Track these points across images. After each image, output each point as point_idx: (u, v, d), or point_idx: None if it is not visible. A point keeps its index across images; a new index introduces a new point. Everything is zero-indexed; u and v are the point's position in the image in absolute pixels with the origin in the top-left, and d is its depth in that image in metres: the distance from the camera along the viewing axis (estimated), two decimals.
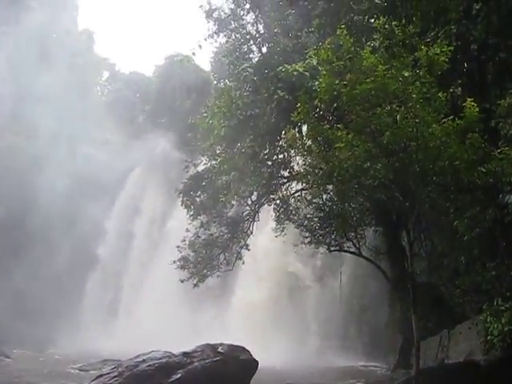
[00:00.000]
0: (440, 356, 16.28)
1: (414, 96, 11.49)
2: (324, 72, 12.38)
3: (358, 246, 17.15)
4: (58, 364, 24.96)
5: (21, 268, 36.81)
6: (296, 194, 19.11)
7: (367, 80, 11.49)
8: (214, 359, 12.37)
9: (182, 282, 20.93)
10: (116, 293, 38.59)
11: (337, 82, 11.95)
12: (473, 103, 11.81)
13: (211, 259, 19.93)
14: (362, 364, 24.05)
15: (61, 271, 37.69)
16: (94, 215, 39.11)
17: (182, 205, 21.29)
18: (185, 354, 12.58)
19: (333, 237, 17.59)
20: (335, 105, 12.82)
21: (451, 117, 11.82)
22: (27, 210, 37.69)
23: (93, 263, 39.73)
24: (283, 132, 17.70)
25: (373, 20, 14.39)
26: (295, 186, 19.36)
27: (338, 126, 12.45)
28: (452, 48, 12.36)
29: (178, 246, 20.65)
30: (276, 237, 19.59)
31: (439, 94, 12.02)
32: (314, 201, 17.47)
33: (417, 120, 11.43)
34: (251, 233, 20.26)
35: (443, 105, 12.11)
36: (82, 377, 17.28)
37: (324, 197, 16.94)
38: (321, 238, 17.71)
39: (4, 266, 36.75)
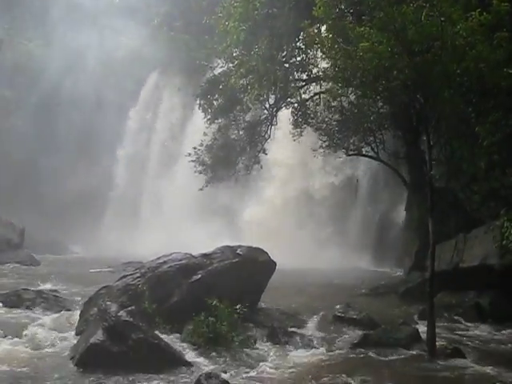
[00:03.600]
0: (455, 260, 16.48)
1: None
2: None
3: (376, 150, 16.95)
4: (82, 266, 25.79)
5: (44, 178, 37.45)
6: (314, 98, 18.79)
7: None
8: (233, 260, 12.63)
9: (200, 189, 21.19)
10: (136, 200, 39.22)
11: None
12: None
13: (228, 162, 19.97)
14: (377, 268, 24.51)
15: (83, 178, 38.27)
16: (110, 121, 39.19)
17: (199, 108, 21.13)
18: (204, 255, 12.86)
19: (351, 141, 17.36)
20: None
21: (478, 10, 11.27)
22: (49, 119, 37.91)
23: (112, 172, 40.29)
24: (301, 33, 17.17)
25: None
26: (313, 88, 19.01)
27: (361, 22, 11.99)
28: None
29: (194, 148, 20.68)
30: (294, 140, 19.42)
31: None
32: (333, 104, 17.13)
33: (442, 18, 10.96)
34: (269, 137, 20.11)
35: (472, 2, 11.58)
36: (106, 278, 17.83)
37: (343, 100, 16.62)
38: (339, 141, 17.49)
39: (30, 177, 37.42)
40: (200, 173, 20.57)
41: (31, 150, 38.12)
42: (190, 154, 20.69)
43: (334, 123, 17.57)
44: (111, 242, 33.21)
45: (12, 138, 37.65)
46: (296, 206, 29.35)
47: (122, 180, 40.27)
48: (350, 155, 18.20)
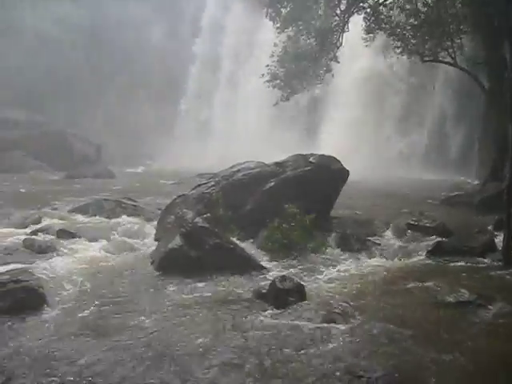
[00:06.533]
0: None
1: None
2: None
3: (453, 55, 16.27)
4: (157, 178, 26.55)
5: (117, 92, 38.19)
6: (388, 1, 17.99)
7: None
8: (306, 168, 12.64)
9: (274, 105, 20.95)
10: (208, 114, 39.53)
11: None
12: None
13: (300, 72, 19.60)
14: (452, 178, 23.99)
15: (154, 95, 38.78)
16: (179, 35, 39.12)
17: (266, 17, 20.63)
18: (277, 163, 12.93)
19: (426, 46, 16.72)
20: None
21: None
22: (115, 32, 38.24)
23: (183, 87, 40.52)
24: None
25: None
26: None
27: None
28: None
29: (267, 65, 20.39)
30: (366, 46, 18.82)
31: None
32: (408, 7, 16.38)
33: None
34: (340, 44, 19.53)
35: None
36: (181, 188, 18.33)
37: (418, 2, 15.87)
38: (413, 47, 16.86)
39: (101, 91, 38.24)
40: (274, 87, 20.33)
41: (104, 70, 38.97)
42: (263, 75, 20.35)
43: (409, 28, 16.89)
44: (184, 155, 33.89)
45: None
46: (370, 115, 28.80)
47: (193, 94, 40.55)
48: (425, 61, 17.59)
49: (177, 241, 10.22)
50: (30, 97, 35.75)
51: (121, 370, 6.02)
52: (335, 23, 19.39)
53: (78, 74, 38.56)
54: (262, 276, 9.68)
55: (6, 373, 5.93)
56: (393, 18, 17.62)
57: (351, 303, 8.36)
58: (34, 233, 12.65)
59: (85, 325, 7.38)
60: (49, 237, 12.33)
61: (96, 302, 8.24)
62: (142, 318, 7.62)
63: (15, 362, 6.19)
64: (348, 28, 19.27)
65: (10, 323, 7.28)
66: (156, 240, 12.02)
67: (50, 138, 32.44)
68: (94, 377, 5.84)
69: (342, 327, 7.34)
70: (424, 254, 11.49)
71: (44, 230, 12.83)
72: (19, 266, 9.77)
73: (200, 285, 9.13)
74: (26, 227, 13.26)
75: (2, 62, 36.27)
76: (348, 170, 13.24)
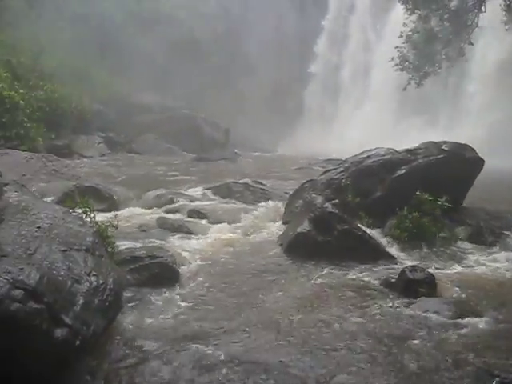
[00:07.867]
0: None
1: None
2: None
3: None
4: (282, 163, 26.91)
5: (248, 88, 39.03)
6: None
7: None
8: (438, 156, 12.18)
9: (404, 90, 20.34)
10: (334, 99, 39.39)
11: None
12: None
13: (431, 55, 18.88)
14: None
15: (280, 89, 39.23)
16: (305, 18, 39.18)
17: (399, 1, 20.05)
18: (408, 150, 12.59)
19: None
20: None
21: None
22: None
23: (308, 76, 40.62)
24: None
25: None
26: None
27: None
28: None
29: (396, 47, 19.84)
30: (506, 29, 17.76)
31: None
32: None
33: None
34: (476, 25, 18.56)
35: None
36: (307, 173, 18.45)
37: None
38: None
39: (227, 74, 39.29)
40: (402, 70, 19.76)
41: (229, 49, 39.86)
42: (392, 59, 19.79)
43: None
44: (308, 141, 34.09)
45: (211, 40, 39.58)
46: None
47: (318, 77, 40.54)
48: None
49: (305, 225, 10.31)
50: (161, 83, 37.32)
51: (257, 349, 6.20)
52: (471, 3, 18.46)
53: (206, 58, 39.68)
54: (390, 265, 9.54)
55: (158, 333, 6.48)
56: None
57: (484, 299, 8.06)
58: (167, 212, 13.31)
59: (216, 301, 7.72)
60: (181, 216, 12.95)
61: (226, 281, 8.57)
62: (271, 299, 7.83)
63: (164, 330, 6.63)
64: (485, 8, 18.25)
65: (149, 294, 7.79)
66: (284, 223, 12.20)
67: (180, 122, 33.69)
68: (225, 353, 6.08)
69: (474, 323, 7.10)
70: None
71: (176, 210, 13.51)
72: (154, 242, 10.31)
73: (327, 270, 9.19)
74: (160, 207, 13.94)
75: (139, 50, 38.10)
76: (483, 160, 12.64)
